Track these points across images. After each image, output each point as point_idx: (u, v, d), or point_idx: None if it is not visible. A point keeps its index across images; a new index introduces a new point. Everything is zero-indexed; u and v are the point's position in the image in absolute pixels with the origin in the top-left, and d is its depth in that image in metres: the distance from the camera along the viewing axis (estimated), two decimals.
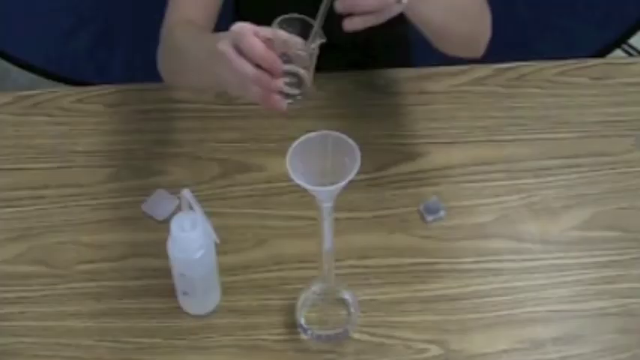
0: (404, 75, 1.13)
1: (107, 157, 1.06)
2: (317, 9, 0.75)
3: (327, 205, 0.74)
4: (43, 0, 1.47)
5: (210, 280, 0.87)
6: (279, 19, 0.75)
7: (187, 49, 0.89)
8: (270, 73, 0.73)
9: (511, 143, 1.05)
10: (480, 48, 0.99)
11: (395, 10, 0.78)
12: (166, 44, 0.96)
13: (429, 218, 0.97)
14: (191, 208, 0.82)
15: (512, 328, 0.88)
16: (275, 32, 0.73)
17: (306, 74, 0.77)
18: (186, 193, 0.81)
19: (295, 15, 0.75)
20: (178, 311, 0.90)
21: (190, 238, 0.81)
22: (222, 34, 0.78)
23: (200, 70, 0.85)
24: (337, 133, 0.71)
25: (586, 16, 1.52)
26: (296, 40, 0.74)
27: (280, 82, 0.74)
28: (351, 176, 0.69)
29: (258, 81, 0.73)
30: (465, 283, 0.92)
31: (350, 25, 0.77)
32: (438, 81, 1.12)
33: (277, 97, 0.75)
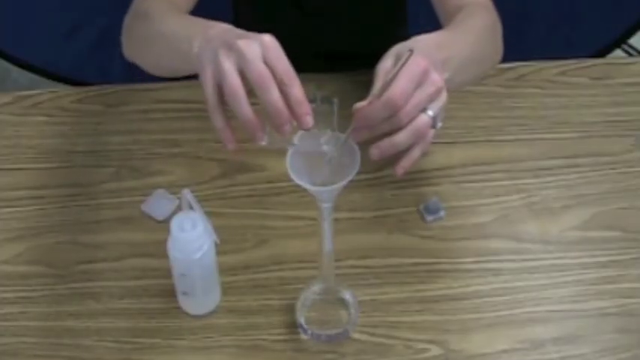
0: None
1: (107, 157, 1.06)
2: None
3: (327, 205, 0.74)
4: (43, 0, 1.47)
5: (210, 280, 0.87)
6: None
7: (161, 22, 0.86)
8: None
9: (511, 143, 1.05)
10: (496, 64, 0.98)
11: (431, 134, 0.73)
12: (137, 10, 0.93)
13: (429, 218, 0.97)
14: (191, 207, 0.82)
15: (512, 328, 0.88)
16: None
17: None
18: (186, 193, 0.80)
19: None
20: (178, 311, 0.90)
21: (190, 238, 0.81)
22: (212, 29, 0.75)
23: (165, 46, 0.81)
24: (337, 133, 0.71)
25: (586, 16, 1.52)
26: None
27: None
28: (351, 176, 0.69)
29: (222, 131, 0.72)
30: (465, 283, 0.92)
31: (401, 170, 0.74)
32: None
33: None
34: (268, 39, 0.69)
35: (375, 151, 0.72)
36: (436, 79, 0.71)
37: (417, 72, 0.70)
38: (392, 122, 0.71)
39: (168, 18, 0.86)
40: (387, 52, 0.75)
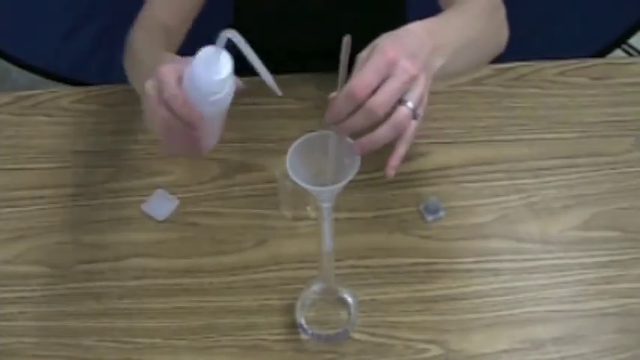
0: None
1: (107, 157, 1.06)
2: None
3: (327, 205, 0.74)
4: (43, 0, 1.47)
5: (214, 126, 0.77)
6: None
7: (140, 54, 0.89)
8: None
9: (511, 143, 1.05)
10: (502, 49, 0.96)
11: (413, 126, 0.71)
12: (127, 43, 0.95)
13: (429, 218, 0.97)
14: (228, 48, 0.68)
15: (512, 328, 0.88)
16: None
17: None
18: (233, 35, 0.66)
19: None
20: (178, 311, 0.90)
21: (212, 79, 0.68)
22: (169, 58, 0.76)
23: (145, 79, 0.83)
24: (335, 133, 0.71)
25: (586, 16, 1.52)
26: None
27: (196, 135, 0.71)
28: (351, 176, 0.69)
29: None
30: (464, 283, 0.92)
31: (391, 170, 0.72)
32: (441, 82, 1.11)
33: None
34: (164, 68, 0.69)
35: (356, 148, 0.70)
36: (407, 67, 0.68)
37: (381, 63, 0.67)
38: (365, 115, 0.68)
39: (142, 53, 0.89)
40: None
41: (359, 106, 0.68)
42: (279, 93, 0.68)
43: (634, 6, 1.51)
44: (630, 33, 1.55)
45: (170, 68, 0.69)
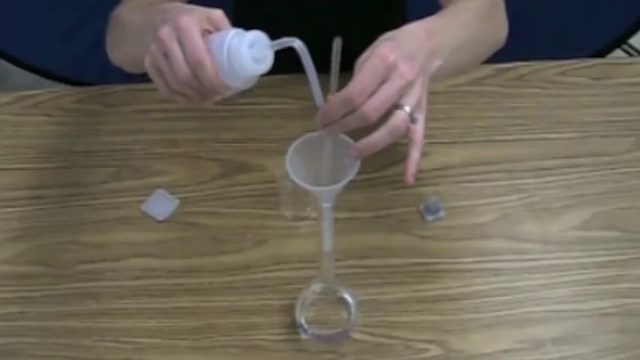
0: None
1: (107, 157, 1.06)
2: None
3: (327, 205, 0.74)
4: (43, 0, 1.47)
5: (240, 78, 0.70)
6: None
7: (128, 17, 0.86)
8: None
9: (511, 143, 1.05)
10: (500, 45, 0.94)
11: (420, 128, 0.72)
12: (113, 15, 0.93)
13: (429, 218, 0.97)
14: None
15: (512, 328, 0.88)
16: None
17: None
18: (299, 46, 0.65)
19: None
20: (178, 311, 0.90)
21: (250, 65, 0.66)
22: (167, 7, 0.72)
23: (136, 37, 0.79)
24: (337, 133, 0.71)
25: (586, 16, 1.52)
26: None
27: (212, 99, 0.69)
28: (351, 176, 0.69)
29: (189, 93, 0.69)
30: (464, 283, 0.92)
31: (410, 178, 0.73)
32: (438, 81, 1.11)
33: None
34: (183, 22, 0.66)
35: (353, 152, 0.69)
36: (405, 71, 0.67)
37: (380, 67, 0.67)
38: (359, 118, 0.67)
39: (133, 16, 0.86)
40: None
41: (352, 109, 0.67)
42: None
43: (634, 6, 1.51)
44: (630, 33, 1.55)
45: (192, 19, 0.65)
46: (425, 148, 1.03)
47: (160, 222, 0.98)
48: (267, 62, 0.67)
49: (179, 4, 0.74)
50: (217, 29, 0.68)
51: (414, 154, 0.73)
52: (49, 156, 1.06)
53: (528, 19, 1.51)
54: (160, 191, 1.01)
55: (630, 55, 1.79)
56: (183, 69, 0.66)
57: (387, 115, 0.69)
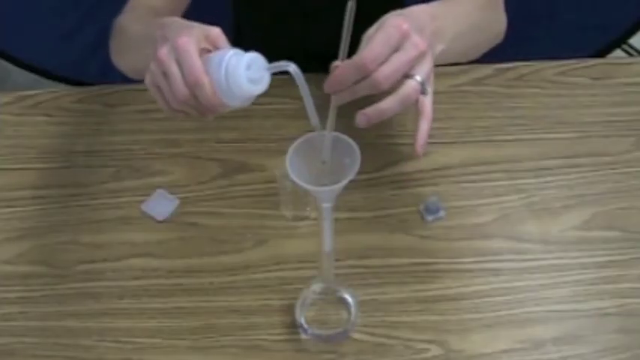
0: None
1: (107, 157, 1.06)
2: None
3: (327, 205, 0.74)
4: (43, 0, 1.47)
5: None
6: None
7: (130, 27, 0.87)
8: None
9: (511, 143, 1.05)
10: (500, 38, 0.96)
11: (429, 102, 0.74)
12: (116, 23, 0.94)
13: (429, 218, 0.97)
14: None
15: (512, 328, 0.88)
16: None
17: None
18: (294, 70, 0.66)
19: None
20: (178, 311, 0.90)
21: (248, 86, 0.67)
22: (169, 19, 0.73)
23: (138, 49, 0.80)
24: (337, 133, 0.71)
25: (586, 16, 1.52)
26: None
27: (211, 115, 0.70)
28: (351, 176, 0.69)
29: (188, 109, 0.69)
30: (464, 283, 0.92)
31: (420, 148, 0.75)
32: (438, 81, 1.11)
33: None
34: (181, 42, 0.67)
35: (362, 118, 0.69)
36: (418, 41, 0.68)
37: (394, 35, 0.67)
38: (370, 85, 0.67)
39: (134, 26, 0.87)
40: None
41: (364, 76, 0.67)
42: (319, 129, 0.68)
43: (634, 6, 1.51)
44: (630, 33, 1.56)
45: (190, 39, 0.66)
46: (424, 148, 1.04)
47: (160, 222, 0.98)
48: (263, 83, 0.68)
49: (178, 20, 0.75)
50: (216, 47, 0.69)
51: (424, 126, 0.73)
52: (50, 156, 1.06)
53: (528, 18, 1.52)
54: (159, 191, 1.01)
55: (630, 55, 1.79)
56: (181, 89, 0.67)
57: (394, 87, 0.69)
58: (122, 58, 0.89)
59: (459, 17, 0.81)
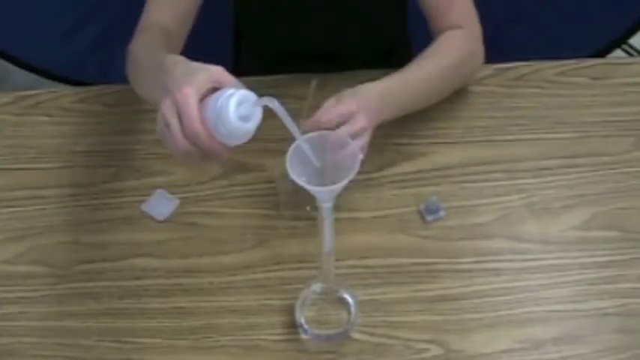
0: None
1: (107, 157, 1.06)
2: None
3: (327, 205, 0.74)
4: (43, 0, 1.47)
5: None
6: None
7: (141, 59, 0.90)
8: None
9: (511, 143, 1.05)
10: (475, 71, 1.07)
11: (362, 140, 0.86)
12: (129, 52, 0.96)
13: (429, 218, 0.97)
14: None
15: (512, 328, 0.88)
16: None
17: None
18: (274, 104, 0.69)
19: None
20: (178, 311, 0.90)
21: (244, 129, 0.70)
22: (172, 61, 0.77)
23: (151, 83, 0.83)
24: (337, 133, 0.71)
25: (586, 16, 1.52)
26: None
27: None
28: (351, 176, 0.69)
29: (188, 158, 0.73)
30: (464, 283, 0.92)
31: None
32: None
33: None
34: (181, 95, 0.70)
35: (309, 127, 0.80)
36: (361, 121, 0.85)
37: (345, 111, 0.85)
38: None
39: (144, 59, 0.90)
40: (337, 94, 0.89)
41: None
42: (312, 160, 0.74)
43: (634, 6, 1.51)
44: (630, 33, 1.55)
45: (190, 90, 0.70)
46: (424, 148, 1.05)
47: (160, 222, 0.98)
48: (254, 119, 0.70)
49: (180, 62, 0.77)
50: (221, 84, 0.72)
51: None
52: (49, 156, 1.06)
53: (528, 19, 1.52)
54: (160, 191, 1.01)
55: (630, 55, 1.79)
56: (181, 141, 0.71)
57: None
58: (140, 89, 0.92)
59: (405, 94, 0.96)
